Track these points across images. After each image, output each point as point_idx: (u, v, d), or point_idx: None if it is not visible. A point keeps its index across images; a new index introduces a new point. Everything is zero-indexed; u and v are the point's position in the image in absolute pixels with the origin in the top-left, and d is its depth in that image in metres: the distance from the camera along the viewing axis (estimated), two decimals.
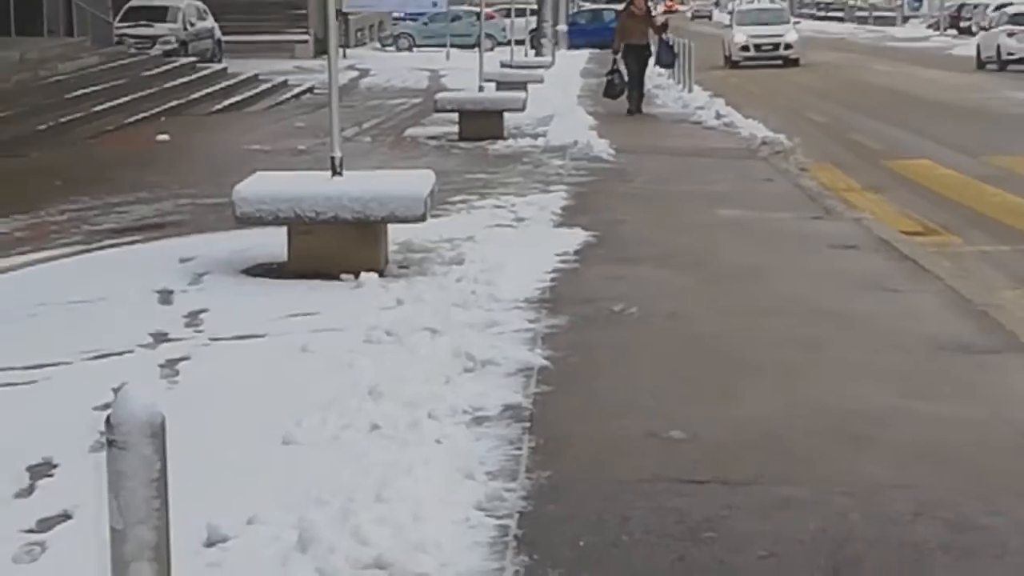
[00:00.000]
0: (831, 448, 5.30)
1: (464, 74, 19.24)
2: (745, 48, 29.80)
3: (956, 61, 36.80)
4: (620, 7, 22.75)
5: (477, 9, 24.81)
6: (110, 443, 2.32)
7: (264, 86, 22.04)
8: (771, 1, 49.68)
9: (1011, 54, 30.27)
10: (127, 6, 24.00)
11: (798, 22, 42.10)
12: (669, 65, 20.99)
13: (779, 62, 29.21)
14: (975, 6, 42.18)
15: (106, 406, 2.44)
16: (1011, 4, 39.85)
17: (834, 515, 4.56)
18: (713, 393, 5.92)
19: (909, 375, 6.23)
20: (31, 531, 4.30)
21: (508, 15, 31.48)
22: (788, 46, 30.64)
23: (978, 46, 34.74)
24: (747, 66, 28.93)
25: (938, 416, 5.63)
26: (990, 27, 35.45)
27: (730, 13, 46.50)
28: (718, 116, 17.79)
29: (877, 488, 4.81)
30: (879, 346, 6.82)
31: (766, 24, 32.13)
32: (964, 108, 23.29)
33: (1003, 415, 5.58)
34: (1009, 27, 32.40)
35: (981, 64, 32.33)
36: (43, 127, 15.17)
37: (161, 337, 6.55)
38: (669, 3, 27.58)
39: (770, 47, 30.06)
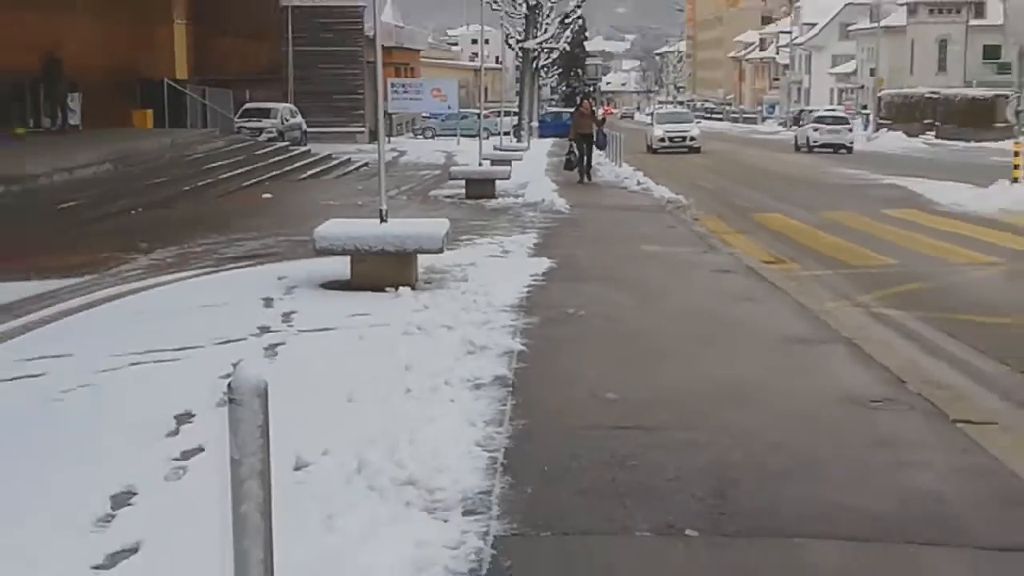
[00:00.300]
0: (717, 407, 5.32)
1: (469, 154, 22.78)
2: (662, 139, 32.47)
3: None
4: (572, 109, 24.90)
5: (477, 111, 27.04)
6: (230, 400, 2.31)
7: (335, 162, 24.92)
8: (678, 107, 48.79)
9: (815, 142, 36.13)
10: (243, 108, 26.58)
11: (699, 121, 42.22)
12: (603, 147, 21.75)
13: (685, 149, 31.98)
14: (809, 111, 43.70)
15: (228, 376, 2.55)
16: (817, 111, 46.83)
17: (720, 451, 4.64)
18: (635, 369, 6.06)
19: (768, 358, 6.42)
20: (177, 459, 4.28)
21: (499, 114, 36.17)
22: (692, 138, 33.04)
23: (795, 136, 40.41)
24: (663, 152, 31.22)
25: (787, 385, 5.79)
26: (802, 125, 42.01)
27: (650, 114, 51.41)
28: (639, 183, 19.12)
29: (748, 432, 4.87)
30: (747, 338, 6.97)
31: (677, 123, 34.54)
32: (802, 179, 25.37)
33: (829, 383, 5.83)
34: (814, 124, 38.05)
35: (797, 148, 37.46)
36: (186, 188, 16.33)
37: (264, 329, 6.72)
38: (606, 107, 27.85)
39: (680, 139, 32.68)
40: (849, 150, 34.77)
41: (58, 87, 18.74)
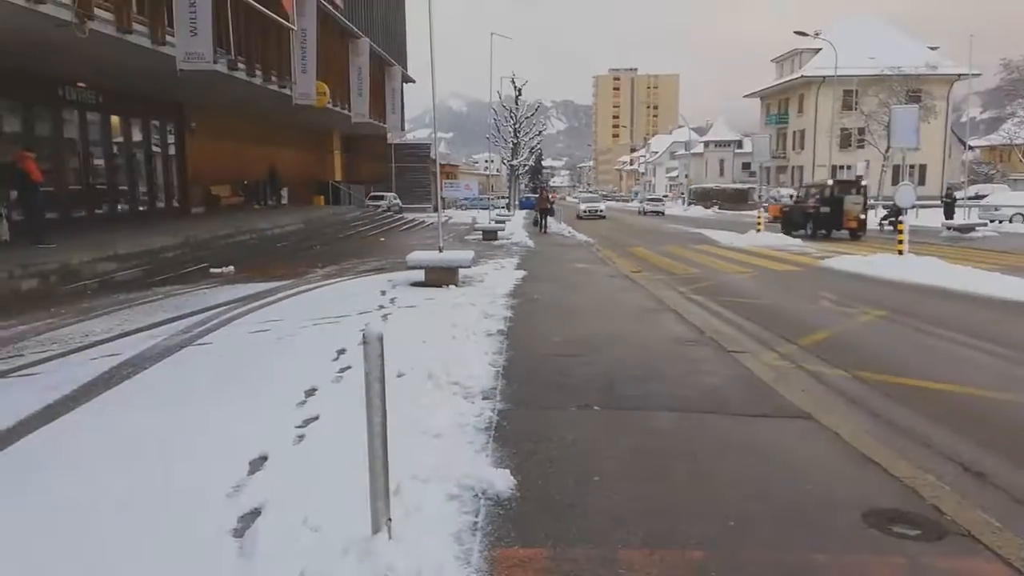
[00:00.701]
0: (607, 344, 5.88)
1: (483, 218, 25.40)
2: (585, 212, 37.66)
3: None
4: (537, 195, 30.54)
5: (487, 196, 41.97)
6: (364, 342, 2.51)
7: (416, 222, 29.79)
8: (594, 192, 69.93)
9: (645, 210, 45.89)
10: (370, 194, 34.73)
11: (605, 199, 61.31)
12: (554, 215, 27.02)
13: (597, 217, 36.36)
14: (648, 196, 62.16)
15: (363, 330, 2.54)
16: (650, 195, 64.03)
17: (608, 366, 5.14)
18: (567, 325, 6.80)
19: (633, 319, 7.15)
20: (338, 373, 4.77)
21: (498, 198, 45.53)
22: (602, 211, 38.96)
23: (639, 204, 53.42)
24: (585, 219, 35.17)
25: (641, 333, 6.45)
26: (642, 200, 54.53)
27: (576, 198, 64.35)
28: (570, 233, 22.95)
29: (622, 357, 5.42)
30: (624, 309, 7.77)
31: (593, 202, 41.36)
32: (651, 229, 28.41)
33: (664, 332, 6.50)
34: (647, 201, 49.13)
35: (640, 213, 46.34)
36: (341, 236, 21.34)
37: (381, 307, 7.54)
38: (553, 194, 28.37)
39: (595, 211, 38.10)
40: (662, 214, 44.75)
41: (276, 184, 27.19)
